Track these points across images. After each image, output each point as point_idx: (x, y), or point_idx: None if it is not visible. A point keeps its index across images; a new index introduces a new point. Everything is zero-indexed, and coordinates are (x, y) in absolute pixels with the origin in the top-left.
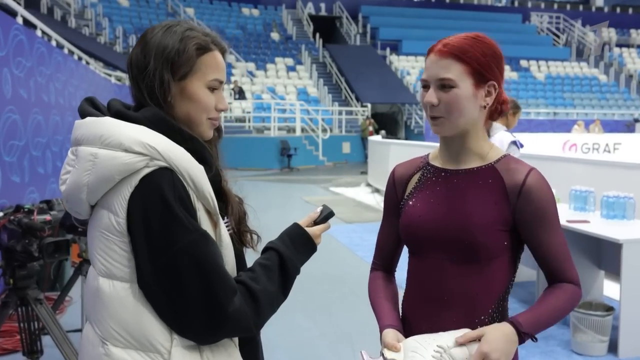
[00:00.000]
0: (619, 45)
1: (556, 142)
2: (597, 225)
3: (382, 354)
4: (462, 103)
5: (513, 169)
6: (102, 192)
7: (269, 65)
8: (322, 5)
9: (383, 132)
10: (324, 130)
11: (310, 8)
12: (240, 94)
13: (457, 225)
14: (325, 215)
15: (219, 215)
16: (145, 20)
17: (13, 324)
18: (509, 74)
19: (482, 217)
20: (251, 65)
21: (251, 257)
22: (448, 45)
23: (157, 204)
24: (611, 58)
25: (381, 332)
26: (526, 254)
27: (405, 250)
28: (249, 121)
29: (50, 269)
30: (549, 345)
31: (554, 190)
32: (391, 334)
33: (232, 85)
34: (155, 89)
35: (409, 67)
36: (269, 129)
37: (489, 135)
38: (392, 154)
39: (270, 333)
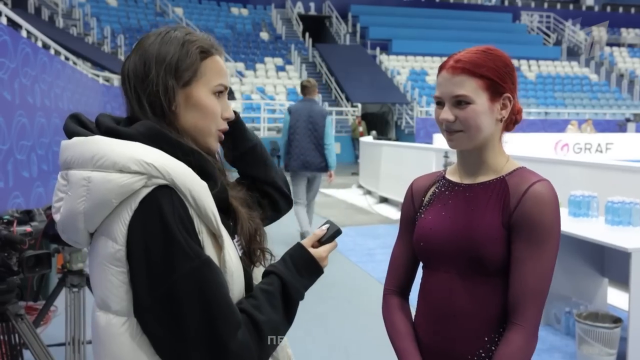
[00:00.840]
0: (610, 45)
1: (548, 142)
2: (602, 232)
3: None
4: (479, 118)
5: (522, 179)
6: (100, 218)
7: (259, 65)
8: (312, 5)
9: (374, 132)
10: None
11: (299, 7)
12: (229, 94)
13: (464, 238)
14: (332, 234)
15: (224, 238)
16: (134, 20)
17: None
18: None
19: (489, 230)
20: (240, 65)
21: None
22: (460, 61)
23: (156, 226)
24: (602, 57)
25: None
26: None
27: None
28: None
29: (32, 280)
30: (553, 358)
31: None
32: None
33: None
34: (159, 98)
35: (399, 67)
36: (258, 129)
37: None
38: (384, 155)
39: None
